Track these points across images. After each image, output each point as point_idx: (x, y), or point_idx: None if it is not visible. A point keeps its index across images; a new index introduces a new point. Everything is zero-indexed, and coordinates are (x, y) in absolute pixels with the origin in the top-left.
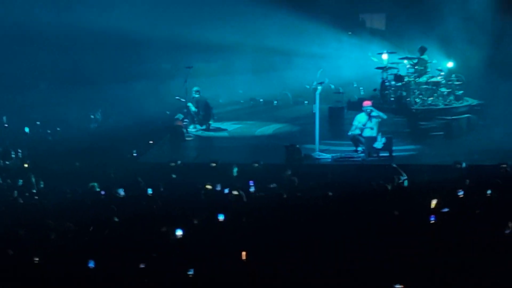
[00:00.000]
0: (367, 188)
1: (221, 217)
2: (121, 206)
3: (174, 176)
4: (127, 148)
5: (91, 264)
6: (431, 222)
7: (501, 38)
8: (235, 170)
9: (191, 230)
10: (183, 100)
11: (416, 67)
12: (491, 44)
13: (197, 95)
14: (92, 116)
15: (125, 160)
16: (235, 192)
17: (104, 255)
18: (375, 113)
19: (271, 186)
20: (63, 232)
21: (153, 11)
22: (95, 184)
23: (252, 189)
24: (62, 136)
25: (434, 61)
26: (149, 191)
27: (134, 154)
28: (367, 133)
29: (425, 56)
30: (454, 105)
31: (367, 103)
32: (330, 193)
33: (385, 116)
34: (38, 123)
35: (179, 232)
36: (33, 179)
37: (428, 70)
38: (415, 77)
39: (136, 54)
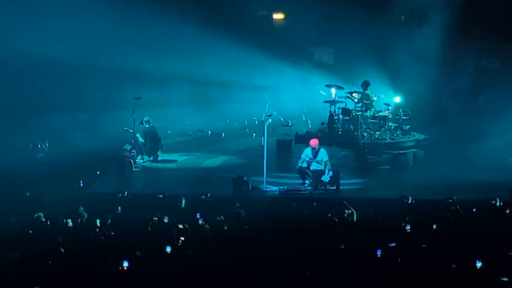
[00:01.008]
0: (314, 221)
1: (168, 249)
2: (67, 236)
3: (119, 208)
4: (74, 178)
5: None
6: (378, 256)
7: (448, 74)
8: (183, 201)
9: (137, 261)
10: (131, 131)
11: (364, 101)
12: (438, 80)
13: (147, 125)
14: (39, 146)
15: (71, 190)
16: (180, 226)
17: (48, 286)
18: (321, 152)
19: (218, 218)
20: (7, 262)
21: (100, 41)
22: (41, 214)
23: (200, 221)
24: (8, 165)
25: (381, 96)
26: (97, 222)
27: (81, 185)
28: (315, 166)
29: (368, 91)
30: (401, 140)
31: (314, 143)
32: (271, 226)
33: (326, 158)
34: None
35: (125, 264)
36: None
37: (373, 104)
38: (362, 111)
39: (84, 84)
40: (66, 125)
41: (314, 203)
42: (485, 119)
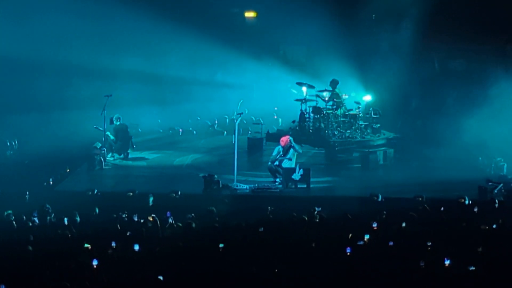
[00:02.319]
0: (284, 219)
1: (136, 247)
2: (35, 235)
3: (96, 210)
4: (44, 176)
5: None
6: (347, 253)
7: (417, 74)
8: (151, 199)
9: (106, 259)
10: (101, 129)
11: (334, 99)
12: (407, 80)
13: (117, 123)
14: (8, 143)
15: (41, 188)
16: (150, 219)
17: (16, 285)
18: (292, 150)
19: (189, 216)
20: None
21: (70, 38)
22: (10, 211)
23: (170, 220)
24: None
25: (352, 94)
26: (65, 220)
27: (51, 182)
28: (286, 164)
29: (337, 90)
30: (371, 138)
31: (285, 140)
32: (243, 224)
33: (300, 151)
34: None
35: (94, 262)
36: None
37: (344, 102)
38: (333, 110)
39: (54, 82)
40: (36, 123)
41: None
42: (454, 118)
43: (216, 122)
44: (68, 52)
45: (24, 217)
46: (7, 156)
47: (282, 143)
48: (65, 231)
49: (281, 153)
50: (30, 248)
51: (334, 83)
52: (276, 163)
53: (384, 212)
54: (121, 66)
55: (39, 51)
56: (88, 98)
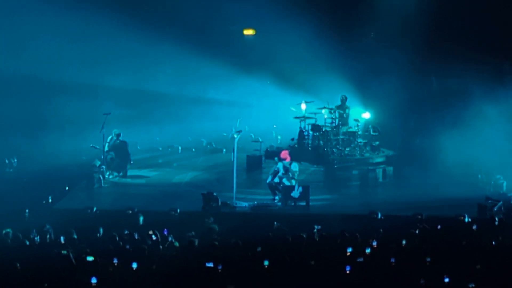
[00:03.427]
0: (283, 237)
1: (134, 266)
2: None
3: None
4: (43, 194)
5: None
6: (347, 272)
7: (417, 91)
8: (141, 218)
9: (106, 277)
10: (98, 147)
11: (340, 116)
12: (407, 97)
13: (117, 139)
14: (7, 161)
15: (40, 206)
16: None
17: None
18: (292, 166)
19: (189, 234)
20: None
21: (69, 57)
22: (9, 230)
23: (170, 238)
24: None
25: (351, 112)
26: (62, 239)
27: (50, 200)
28: (286, 181)
29: (345, 105)
30: (371, 156)
31: (285, 156)
32: (240, 242)
33: (296, 169)
34: None
35: (93, 281)
36: None
37: (348, 119)
38: (332, 127)
39: (54, 100)
40: (36, 141)
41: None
42: (452, 136)
43: (216, 139)
44: (64, 71)
45: (21, 235)
46: (7, 174)
47: (282, 156)
48: (62, 250)
49: (282, 170)
50: (18, 265)
51: (343, 99)
52: (277, 179)
53: (381, 230)
54: (120, 85)
55: (35, 70)
56: (88, 117)
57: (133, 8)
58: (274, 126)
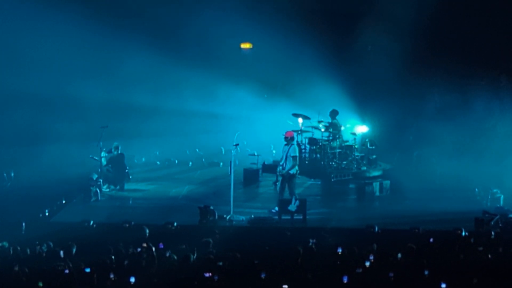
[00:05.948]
0: (280, 251)
1: (132, 280)
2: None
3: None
4: (40, 208)
5: None
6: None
7: (414, 106)
8: (147, 231)
9: None
10: (97, 158)
11: (330, 130)
12: (404, 111)
13: (115, 152)
14: (5, 174)
15: (37, 219)
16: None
17: None
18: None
19: (183, 247)
20: None
21: (65, 71)
22: (5, 243)
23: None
24: None
25: (347, 125)
26: (61, 253)
27: (46, 214)
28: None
29: (335, 121)
30: (368, 170)
31: (289, 135)
32: (238, 255)
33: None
34: None
35: None
36: None
37: (341, 134)
38: (329, 141)
39: (50, 114)
40: (33, 154)
41: (288, 233)
42: (450, 150)
43: (213, 153)
44: (65, 85)
45: (19, 248)
46: (4, 188)
47: (287, 134)
48: (60, 264)
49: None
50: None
51: (333, 114)
52: (280, 168)
53: (375, 245)
54: (118, 99)
55: (31, 85)
56: (84, 130)
57: (131, 23)
58: (271, 139)
